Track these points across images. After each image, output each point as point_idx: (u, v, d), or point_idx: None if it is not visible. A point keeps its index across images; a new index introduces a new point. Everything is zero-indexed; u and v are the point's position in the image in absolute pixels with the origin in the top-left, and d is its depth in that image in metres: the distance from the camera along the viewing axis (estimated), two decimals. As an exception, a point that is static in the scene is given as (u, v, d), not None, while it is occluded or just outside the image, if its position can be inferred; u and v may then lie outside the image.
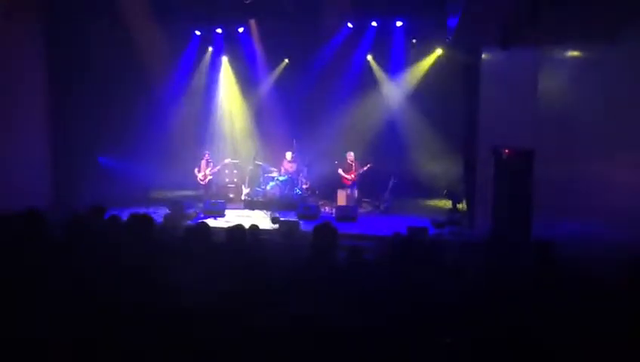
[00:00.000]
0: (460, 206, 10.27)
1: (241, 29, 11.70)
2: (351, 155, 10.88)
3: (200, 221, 4.52)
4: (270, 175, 11.62)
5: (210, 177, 11.11)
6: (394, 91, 11.97)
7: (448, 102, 10.75)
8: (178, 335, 2.21)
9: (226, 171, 11.84)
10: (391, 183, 11.31)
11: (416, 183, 11.44)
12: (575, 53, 5.71)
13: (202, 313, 2.31)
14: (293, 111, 12.12)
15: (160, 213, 9.42)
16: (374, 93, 11.97)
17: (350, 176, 10.79)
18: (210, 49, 12.43)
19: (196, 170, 11.14)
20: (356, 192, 10.96)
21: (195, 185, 11.67)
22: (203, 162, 11.14)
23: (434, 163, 11.30)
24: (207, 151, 11.24)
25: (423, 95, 11.57)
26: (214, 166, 11.19)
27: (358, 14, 11.00)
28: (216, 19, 11.57)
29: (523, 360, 2.03)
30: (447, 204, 11.06)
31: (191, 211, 9.85)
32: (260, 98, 12.72)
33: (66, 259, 3.31)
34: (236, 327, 2.21)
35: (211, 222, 5.98)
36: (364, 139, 11.88)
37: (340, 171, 10.87)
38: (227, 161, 11.37)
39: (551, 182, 6.21)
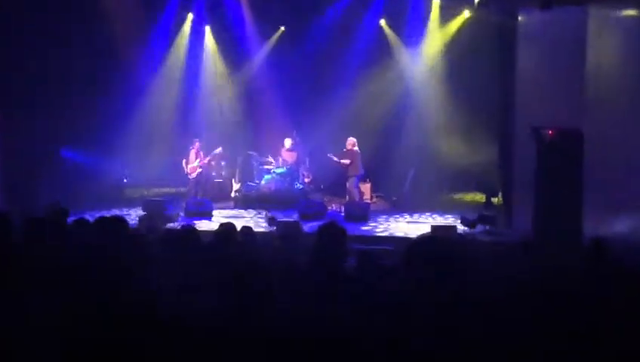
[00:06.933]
0: (495, 200, 10.24)
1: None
2: (351, 140, 10.74)
3: (183, 224, 4.52)
4: (265, 167, 11.59)
5: (199, 170, 11.13)
6: (412, 63, 11.89)
7: (479, 75, 10.66)
8: (157, 354, 2.23)
9: (213, 163, 11.85)
10: (410, 174, 11.26)
11: (441, 173, 11.39)
12: (631, 13, 5.63)
13: (185, 331, 2.33)
14: (291, 90, 12.08)
15: (135, 215, 9.46)
16: (389, 65, 11.90)
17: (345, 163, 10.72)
18: (191, 16, 12.38)
19: (184, 161, 11.15)
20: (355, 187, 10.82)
21: (178, 180, 11.67)
22: (192, 152, 11.12)
23: (462, 148, 11.24)
24: (196, 140, 11.21)
25: (448, 66, 11.49)
26: (205, 156, 11.20)
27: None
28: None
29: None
30: (479, 197, 11.01)
31: (172, 212, 9.88)
32: (252, 75, 12.67)
33: (22, 270, 3.33)
34: (225, 347, 2.21)
35: (196, 225, 5.99)
36: (377, 121, 11.83)
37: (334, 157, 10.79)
38: (219, 150, 11.34)
39: (605, 169, 6.16)
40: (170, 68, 12.46)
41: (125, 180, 12.47)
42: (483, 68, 10.58)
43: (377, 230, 9.18)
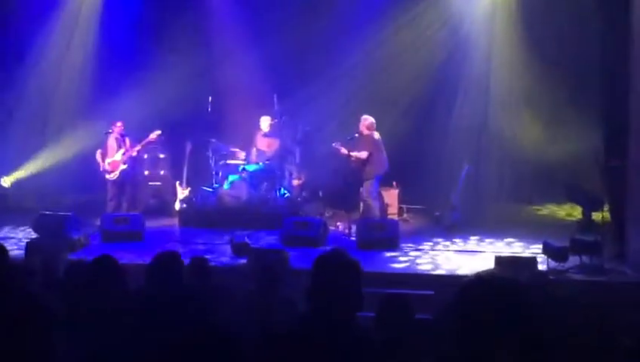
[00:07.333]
0: (597, 216, 10.25)
1: None
2: (366, 121, 10.70)
3: (101, 255, 4.52)
4: (230, 162, 11.64)
5: (124, 166, 11.17)
6: (467, 6, 11.92)
7: (573, 25, 10.79)
8: None
9: (145, 156, 11.85)
10: (463, 174, 11.28)
11: (513, 174, 11.46)
12: None
13: None
14: (271, 39, 12.10)
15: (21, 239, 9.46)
16: (428, 8, 11.92)
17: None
18: None
19: (99, 153, 11.22)
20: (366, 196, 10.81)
21: (89, 184, 11.68)
22: (111, 139, 11.22)
23: (547, 136, 11.27)
24: (118, 122, 11.23)
25: (525, 7, 11.55)
26: (133, 145, 11.26)
27: None
28: None
29: None
30: (576, 212, 11.01)
31: (79, 234, 9.90)
32: (208, 12, 12.67)
33: None
34: None
35: (119, 255, 5.96)
36: (409, 91, 11.86)
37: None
38: (155, 134, 11.34)
39: None
40: (71, 8, 12.48)
41: (6, 183, 12.45)
42: (579, 14, 10.65)
43: (412, 264, 9.19)
